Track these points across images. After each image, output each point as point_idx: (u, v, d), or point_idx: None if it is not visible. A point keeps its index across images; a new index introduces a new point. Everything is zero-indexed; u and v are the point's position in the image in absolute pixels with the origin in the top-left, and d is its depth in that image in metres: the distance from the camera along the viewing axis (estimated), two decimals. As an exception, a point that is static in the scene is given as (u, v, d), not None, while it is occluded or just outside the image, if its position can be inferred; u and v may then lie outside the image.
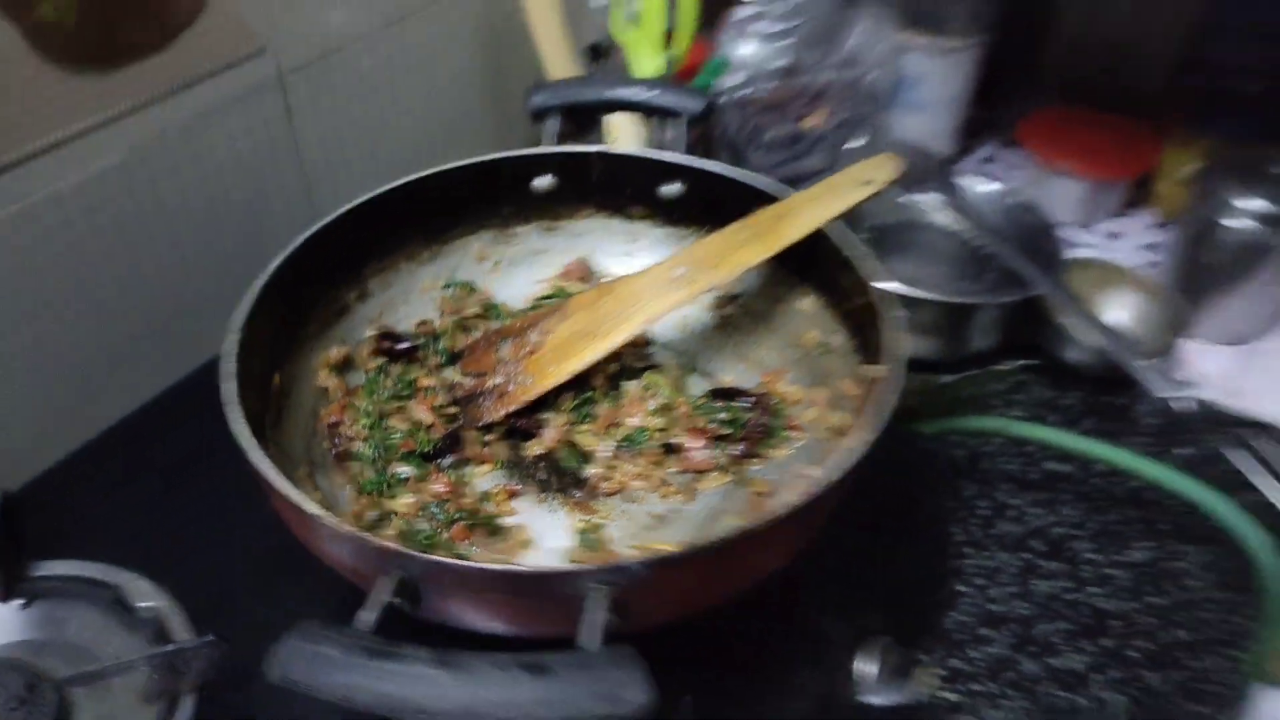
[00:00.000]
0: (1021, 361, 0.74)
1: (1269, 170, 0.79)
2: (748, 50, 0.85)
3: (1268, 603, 0.54)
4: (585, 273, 0.59)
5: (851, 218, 0.52)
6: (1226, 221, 0.78)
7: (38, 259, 0.53)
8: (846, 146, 0.88)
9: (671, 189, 0.58)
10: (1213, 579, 0.60)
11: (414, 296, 0.57)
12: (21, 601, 0.48)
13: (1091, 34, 1.08)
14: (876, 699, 0.48)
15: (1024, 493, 0.69)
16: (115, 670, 0.45)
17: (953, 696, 0.55)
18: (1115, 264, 0.84)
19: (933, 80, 0.92)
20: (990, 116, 1.05)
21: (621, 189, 0.59)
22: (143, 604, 0.47)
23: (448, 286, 0.58)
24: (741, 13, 0.86)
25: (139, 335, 0.60)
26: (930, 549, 0.64)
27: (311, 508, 0.37)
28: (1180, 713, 0.54)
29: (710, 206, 0.55)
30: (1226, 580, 0.59)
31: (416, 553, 0.35)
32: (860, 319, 0.50)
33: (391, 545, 0.35)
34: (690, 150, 0.58)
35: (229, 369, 0.42)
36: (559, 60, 0.72)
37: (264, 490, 0.40)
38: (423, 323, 0.56)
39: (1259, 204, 0.77)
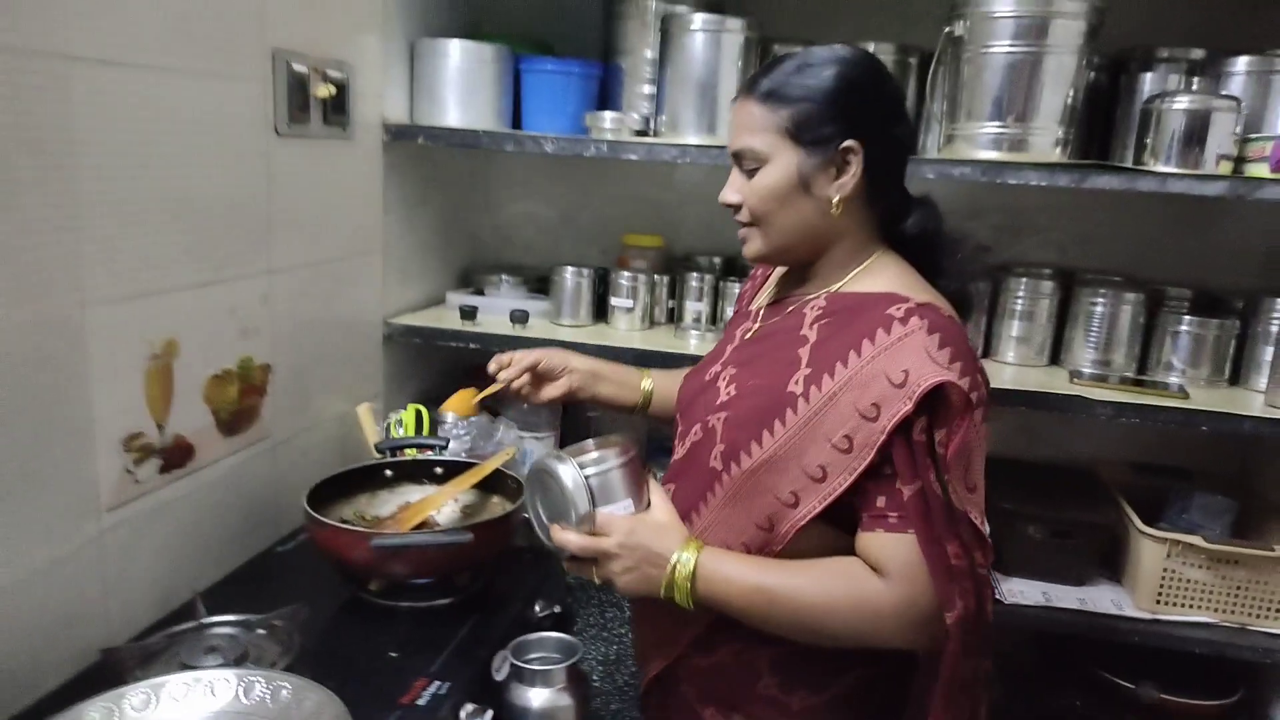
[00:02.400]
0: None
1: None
2: (454, 444, 1.89)
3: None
4: (408, 504, 1.53)
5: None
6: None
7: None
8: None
9: (438, 470, 1.57)
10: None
11: (358, 511, 1.48)
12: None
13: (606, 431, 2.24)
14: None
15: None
16: (273, 618, 1.25)
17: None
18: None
19: (538, 450, 2.00)
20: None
21: (418, 472, 1.57)
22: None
23: (357, 512, 1.49)
24: (443, 429, 1.91)
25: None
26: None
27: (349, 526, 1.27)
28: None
29: (454, 473, 1.53)
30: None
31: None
32: (515, 498, 1.49)
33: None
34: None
35: (307, 504, 1.32)
36: (373, 442, 1.70)
37: (315, 531, 1.28)
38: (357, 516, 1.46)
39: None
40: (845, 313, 1.09)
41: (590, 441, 1.12)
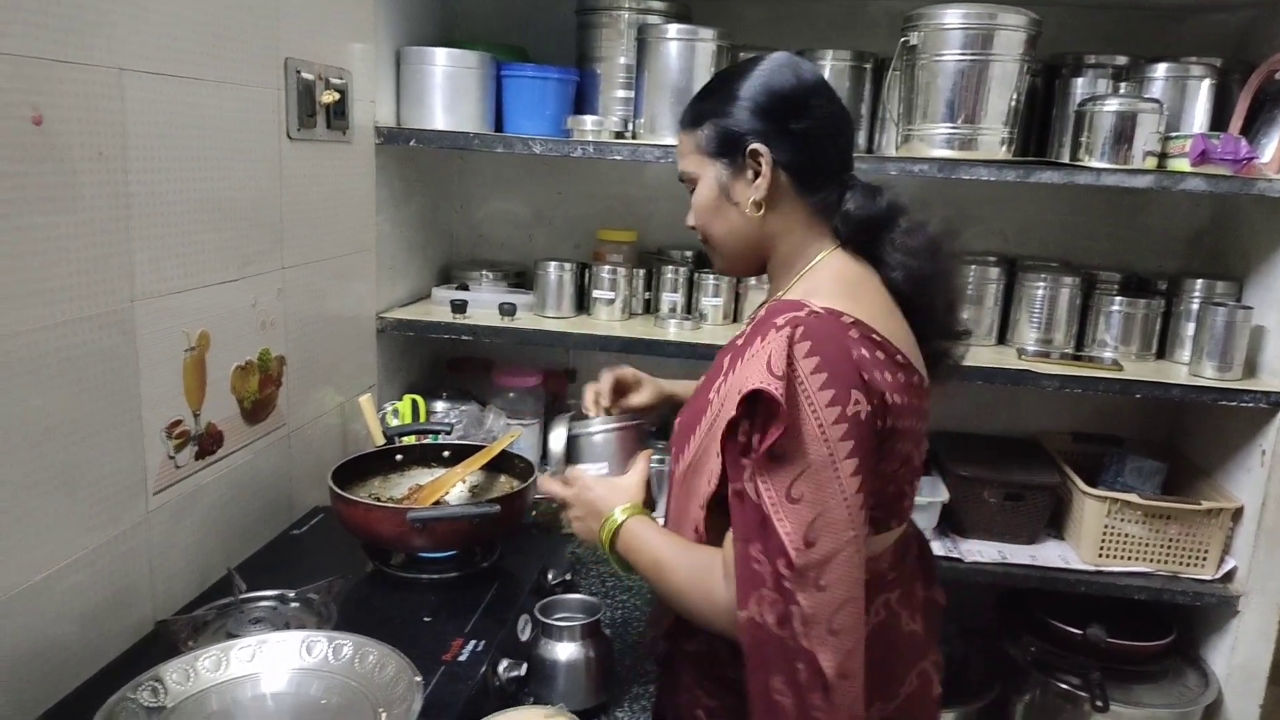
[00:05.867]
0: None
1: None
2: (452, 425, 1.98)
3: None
4: (419, 486, 1.62)
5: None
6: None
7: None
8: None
9: (446, 454, 1.67)
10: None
11: (372, 493, 1.57)
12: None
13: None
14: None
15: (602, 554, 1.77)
16: (308, 591, 1.33)
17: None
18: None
19: (524, 437, 2.11)
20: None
21: (427, 456, 1.66)
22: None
23: (373, 494, 1.58)
24: (435, 416, 2.00)
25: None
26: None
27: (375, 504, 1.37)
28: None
29: (462, 455, 1.63)
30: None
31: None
32: (524, 477, 1.59)
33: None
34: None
35: (333, 486, 1.41)
36: (376, 430, 1.79)
37: (344, 510, 1.37)
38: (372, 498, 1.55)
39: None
40: (760, 320, 1.10)
41: (613, 415, 1.28)
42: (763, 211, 1.12)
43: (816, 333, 1.01)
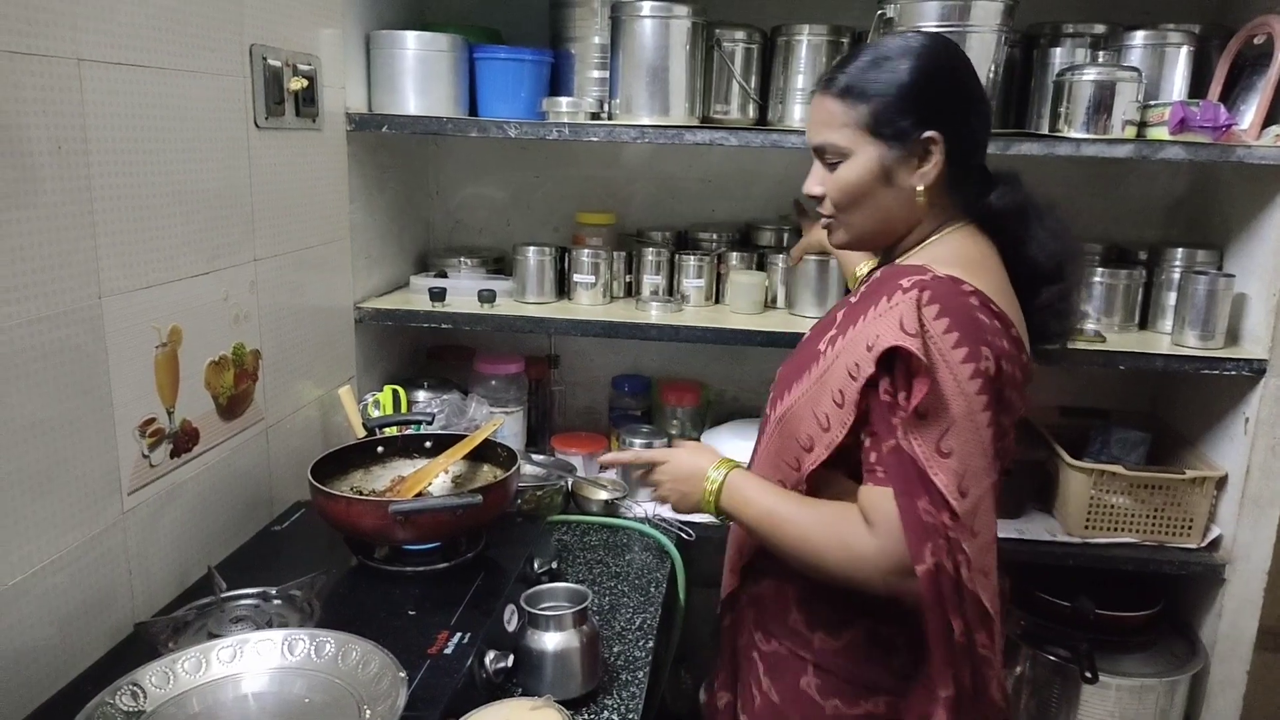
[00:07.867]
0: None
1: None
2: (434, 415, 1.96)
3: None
4: (401, 478, 1.60)
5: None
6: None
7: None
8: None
9: (428, 444, 1.65)
10: (652, 556, 1.73)
11: (354, 486, 1.55)
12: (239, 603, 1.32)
13: (571, 404, 2.34)
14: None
15: (589, 541, 1.77)
16: (290, 588, 1.31)
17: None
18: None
19: (508, 425, 2.09)
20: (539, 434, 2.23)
21: (409, 447, 1.64)
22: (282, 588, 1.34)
23: (354, 488, 1.56)
24: (416, 406, 1.98)
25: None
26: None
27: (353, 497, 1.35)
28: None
29: (445, 445, 1.61)
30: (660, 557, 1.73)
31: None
32: (507, 466, 1.58)
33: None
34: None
35: (313, 480, 1.38)
36: (356, 422, 1.76)
37: (325, 505, 1.35)
38: (354, 491, 1.53)
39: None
40: (879, 280, 1.14)
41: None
42: (925, 197, 1.13)
43: (942, 296, 1.06)
